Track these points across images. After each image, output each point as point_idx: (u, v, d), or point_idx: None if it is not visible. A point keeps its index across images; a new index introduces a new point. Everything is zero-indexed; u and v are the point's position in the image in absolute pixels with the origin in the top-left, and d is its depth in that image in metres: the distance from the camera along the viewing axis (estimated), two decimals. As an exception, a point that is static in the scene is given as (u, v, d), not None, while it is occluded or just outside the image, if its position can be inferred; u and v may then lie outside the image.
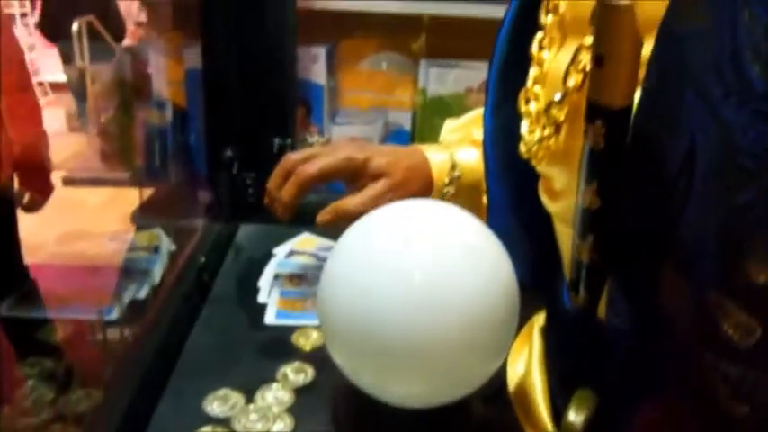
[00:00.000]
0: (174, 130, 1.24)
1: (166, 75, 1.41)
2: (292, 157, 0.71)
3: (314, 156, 0.70)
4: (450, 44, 1.31)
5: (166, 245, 0.86)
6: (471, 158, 0.73)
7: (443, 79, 1.28)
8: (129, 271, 0.83)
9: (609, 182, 0.37)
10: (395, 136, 1.34)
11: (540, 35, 0.51)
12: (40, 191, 1.65)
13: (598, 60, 0.34)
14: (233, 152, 0.86)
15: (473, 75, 1.26)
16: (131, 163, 1.36)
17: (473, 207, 0.74)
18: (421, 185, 0.72)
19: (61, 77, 3.97)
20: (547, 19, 0.50)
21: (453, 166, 0.72)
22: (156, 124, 1.26)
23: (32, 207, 1.64)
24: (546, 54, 0.50)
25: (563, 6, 0.49)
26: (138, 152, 1.33)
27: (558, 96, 0.44)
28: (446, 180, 0.72)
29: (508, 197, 0.62)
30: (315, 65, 1.26)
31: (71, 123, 4.26)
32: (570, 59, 0.43)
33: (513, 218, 0.62)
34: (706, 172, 0.32)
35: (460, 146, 0.75)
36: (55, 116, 4.22)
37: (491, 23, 1.26)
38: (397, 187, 0.70)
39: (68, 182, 1.48)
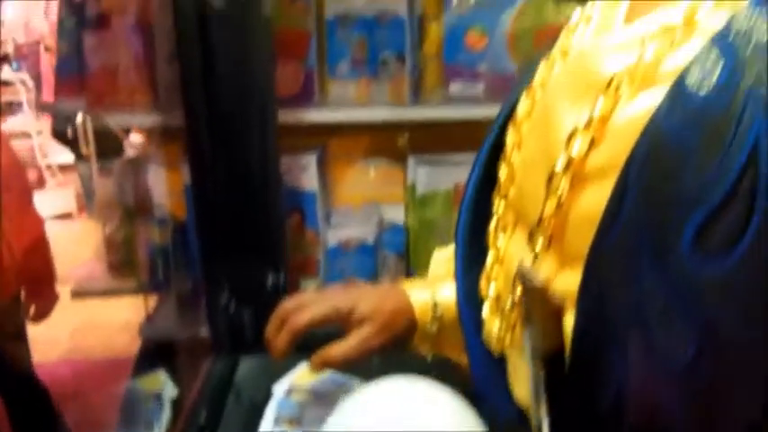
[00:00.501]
0: (176, 247, 1.29)
1: (166, 186, 1.46)
2: (286, 305, 0.75)
3: (304, 305, 0.74)
4: (435, 139, 1.35)
5: (169, 391, 0.89)
6: (453, 296, 0.76)
7: (432, 176, 1.32)
8: (131, 422, 0.85)
9: (555, 408, 0.40)
10: (390, 233, 1.37)
11: (494, 219, 0.54)
12: (45, 301, 1.70)
13: (526, 317, 0.37)
14: (229, 292, 0.89)
15: (461, 171, 1.29)
16: (136, 276, 1.40)
17: (457, 342, 0.77)
18: (405, 326, 0.75)
19: (69, 157, 4.07)
20: (500, 204, 0.54)
21: (435, 306, 0.75)
22: (158, 243, 1.31)
23: (38, 317, 1.69)
24: (501, 238, 0.54)
25: (512, 193, 0.52)
26: (142, 267, 1.37)
27: (508, 304, 0.47)
28: (429, 319, 0.75)
29: (485, 349, 0.65)
30: (305, 173, 1.30)
31: (80, 202, 4.34)
32: (515, 272, 0.46)
33: (493, 365, 0.64)
34: (633, 415, 0.34)
35: (444, 281, 0.78)
36: (65, 196, 4.31)
37: (473, 122, 1.31)
38: (381, 331, 0.73)
39: (76, 295, 1.53)
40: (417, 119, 1.27)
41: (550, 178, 0.41)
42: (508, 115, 0.57)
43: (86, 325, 2.69)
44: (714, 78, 0.32)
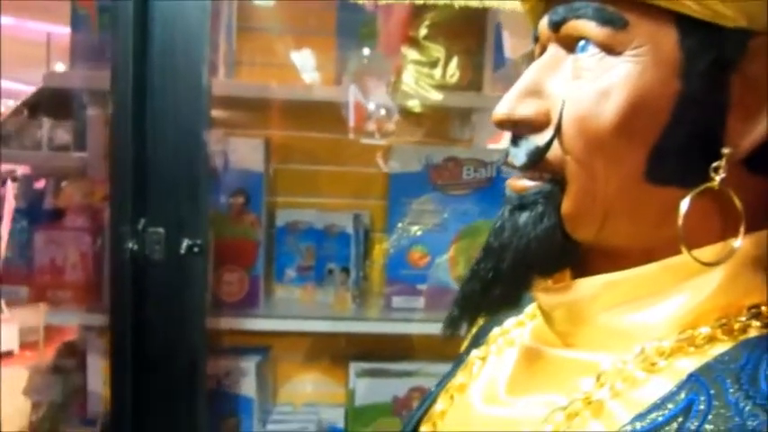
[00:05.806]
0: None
1: (102, 375, 1.43)
2: None
3: None
4: (376, 348, 1.37)
5: None
6: None
7: (371, 387, 1.31)
8: None
9: None
10: None
11: None
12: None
13: None
14: None
15: (401, 383, 1.30)
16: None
17: None
18: None
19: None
20: None
21: None
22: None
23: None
24: None
25: None
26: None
27: None
28: None
29: None
30: (245, 378, 1.29)
31: (24, 338, 4.22)
32: None
33: None
34: None
35: None
36: (10, 332, 4.18)
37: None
38: None
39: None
40: (359, 331, 1.29)
41: None
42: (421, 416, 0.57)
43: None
44: None
